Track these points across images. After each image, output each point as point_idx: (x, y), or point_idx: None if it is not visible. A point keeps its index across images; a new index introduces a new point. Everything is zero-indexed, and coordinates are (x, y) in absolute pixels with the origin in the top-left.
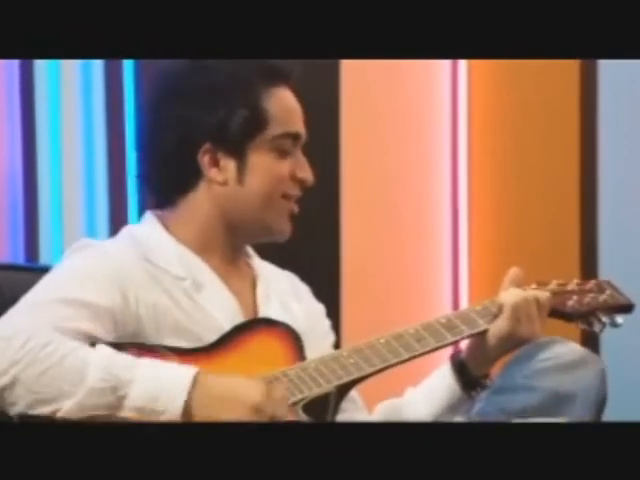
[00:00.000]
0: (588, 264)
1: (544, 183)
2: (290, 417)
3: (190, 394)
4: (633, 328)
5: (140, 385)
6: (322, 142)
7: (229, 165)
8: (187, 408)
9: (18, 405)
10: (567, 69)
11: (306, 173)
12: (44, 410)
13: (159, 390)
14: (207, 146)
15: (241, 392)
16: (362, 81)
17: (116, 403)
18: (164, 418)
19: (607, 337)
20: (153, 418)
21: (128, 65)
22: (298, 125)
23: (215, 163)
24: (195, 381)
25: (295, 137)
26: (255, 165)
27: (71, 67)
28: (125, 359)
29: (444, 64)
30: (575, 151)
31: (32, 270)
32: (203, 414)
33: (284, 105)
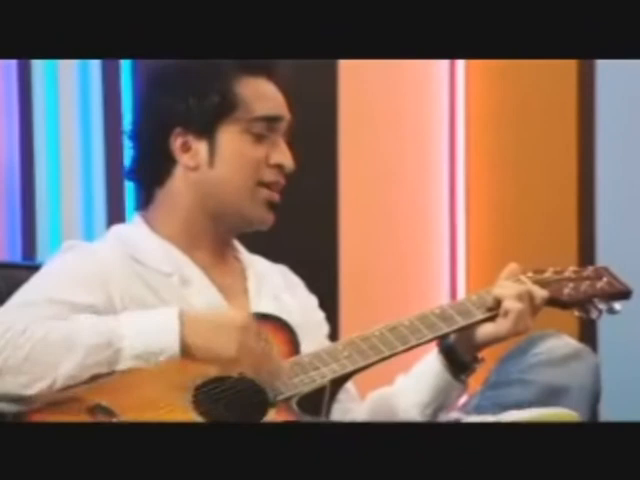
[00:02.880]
0: (585, 259)
1: (541, 180)
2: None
3: (181, 326)
4: (631, 323)
5: (132, 334)
6: (321, 142)
7: (200, 148)
8: (183, 340)
9: (12, 390)
10: (565, 68)
11: (283, 158)
12: (41, 385)
13: (152, 333)
14: (178, 130)
15: (228, 315)
16: (360, 81)
17: (114, 357)
18: (163, 358)
19: (606, 336)
20: (152, 360)
21: (125, 65)
22: (274, 109)
23: (187, 148)
24: (181, 315)
25: (270, 121)
26: (226, 148)
27: (69, 67)
28: (107, 318)
29: (442, 64)
30: (573, 148)
31: (29, 268)
32: (198, 342)
33: (258, 90)
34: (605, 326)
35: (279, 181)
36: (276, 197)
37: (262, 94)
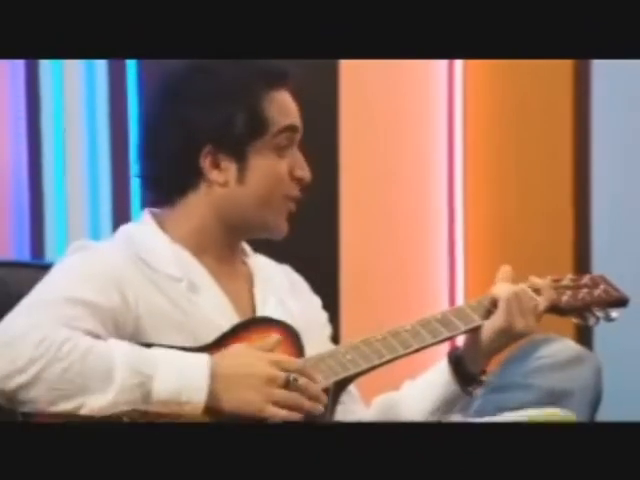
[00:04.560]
0: (582, 260)
1: (538, 182)
2: (305, 381)
3: (211, 380)
4: (628, 328)
5: (163, 380)
6: (321, 142)
7: (230, 167)
8: (210, 396)
9: (38, 402)
10: (561, 68)
11: (304, 171)
12: (66, 406)
13: (182, 383)
14: (209, 148)
15: (254, 370)
16: (360, 81)
17: (142, 399)
18: (188, 408)
19: (602, 337)
20: (177, 410)
21: (131, 65)
22: (292, 119)
23: (216, 165)
24: (212, 368)
25: (291, 130)
26: (256, 166)
27: (74, 67)
28: (144, 354)
29: (440, 64)
30: (568, 149)
31: (37, 267)
32: (224, 399)
33: (281, 104)
34: (601, 331)
35: (298, 195)
36: (294, 208)
37: (285, 107)
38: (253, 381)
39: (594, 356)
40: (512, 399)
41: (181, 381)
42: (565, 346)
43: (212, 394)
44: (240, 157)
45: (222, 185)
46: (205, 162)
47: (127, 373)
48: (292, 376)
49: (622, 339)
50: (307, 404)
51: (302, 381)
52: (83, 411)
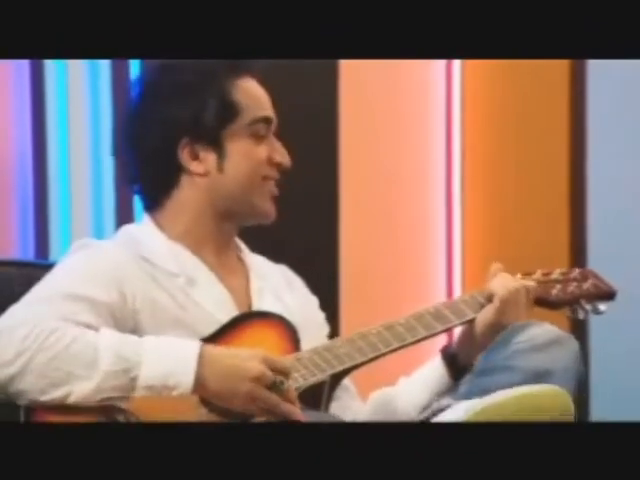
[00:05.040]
0: (577, 258)
1: (535, 181)
2: (291, 389)
3: (198, 367)
4: (622, 324)
5: (150, 365)
6: (321, 141)
7: (208, 156)
8: (197, 381)
9: (30, 392)
10: (558, 68)
11: (282, 157)
12: (56, 394)
13: (169, 368)
14: (185, 140)
15: (245, 365)
16: (359, 81)
17: (129, 384)
18: (176, 393)
19: (596, 338)
20: (165, 394)
21: (134, 65)
22: (267, 110)
23: (195, 156)
24: (201, 354)
25: (266, 121)
26: (233, 152)
27: (78, 67)
28: (131, 340)
29: (439, 64)
30: (565, 147)
31: (42, 266)
32: (211, 386)
33: (251, 93)
34: (596, 328)
35: (277, 177)
36: (276, 191)
37: (255, 96)
38: (242, 373)
39: (572, 338)
40: (497, 381)
41: (168, 365)
42: (543, 330)
43: (199, 379)
44: (216, 145)
45: (203, 175)
46: (183, 155)
47: (111, 360)
48: (279, 379)
49: (618, 337)
50: (284, 409)
51: (286, 386)
52: (71, 399)
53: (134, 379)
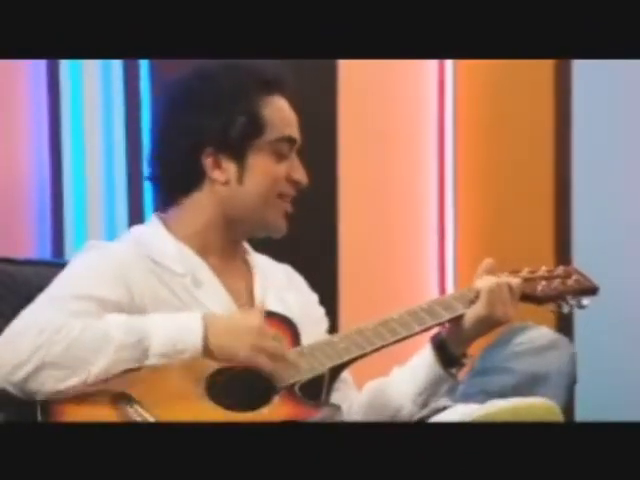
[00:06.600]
0: (562, 255)
1: (523, 180)
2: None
3: (203, 329)
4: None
5: (158, 334)
6: (320, 141)
7: (230, 167)
8: (205, 342)
9: (48, 384)
10: (542, 68)
11: (301, 175)
12: (73, 381)
13: (176, 334)
14: (210, 150)
15: (245, 319)
16: (357, 81)
17: (142, 355)
18: (186, 356)
19: (581, 335)
20: (177, 358)
21: (144, 65)
22: (293, 130)
23: (218, 165)
24: (204, 317)
25: (290, 141)
26: (254, 167)
27: (92, 67)
28: (138, 318)
29: (431, 64)
30: (550, 148)
31: (58, 265)
32: (219, 344)
33: (280, 112)
34: (581, 324)
35: (293, 194)
36: (290, 208)
37: (283, 115)
38: (245, 325)
39: (569, 342)
40: (494, 382)
41: (175, 332)
42: (541, 333)
43: (205, 338)
44: (239, 157)
45: (224, 184)
46: (207, 163)
47: (123, 335)
48: (276, 335)
49: (602, 334)
50: (290, 357)
51: (282, 342)
52: (90, 380)
53: (147, 349)
